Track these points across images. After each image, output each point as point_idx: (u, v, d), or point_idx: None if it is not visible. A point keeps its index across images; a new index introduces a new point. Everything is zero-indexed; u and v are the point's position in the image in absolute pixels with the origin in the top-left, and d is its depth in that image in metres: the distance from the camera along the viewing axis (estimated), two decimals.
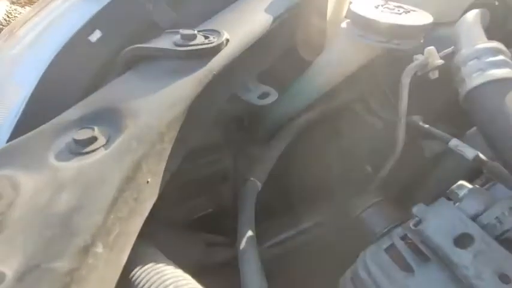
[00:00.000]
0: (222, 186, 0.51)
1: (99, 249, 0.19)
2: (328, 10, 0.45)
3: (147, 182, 0.24)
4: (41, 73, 0.32)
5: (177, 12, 0.41)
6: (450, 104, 0.40)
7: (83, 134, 0.24)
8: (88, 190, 0.20)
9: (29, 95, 0.32)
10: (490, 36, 0.39)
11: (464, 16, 0.37)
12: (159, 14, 0.39)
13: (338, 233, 0.65)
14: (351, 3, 0.44)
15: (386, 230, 0.47)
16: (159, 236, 0.36)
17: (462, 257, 0.30)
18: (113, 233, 0.20)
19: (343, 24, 0.42)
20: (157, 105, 0.26)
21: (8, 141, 0.31)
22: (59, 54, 0.33)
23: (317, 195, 0.76)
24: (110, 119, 0.26)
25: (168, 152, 0.26)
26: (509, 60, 0.29)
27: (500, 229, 0.33)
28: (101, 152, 0.23)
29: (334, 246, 0.67)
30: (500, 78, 0.27)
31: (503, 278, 0.29)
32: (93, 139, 0.24)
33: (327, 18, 0.45)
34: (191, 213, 0.51)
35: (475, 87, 0.29)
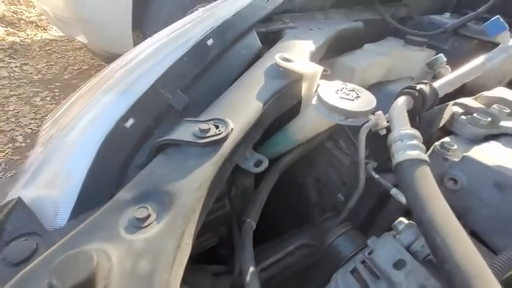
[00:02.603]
0: (222, 225, 0.63)
1: None
2: (303, 88, 0.60)
3: (186, 243, 0.36)
4: (93, 155, 0.43)
5: (188, 95, 0.54)
6: None
7: (142, 213, 0.35)
8: (157, 257, 0.31)
9: (85, 174, 0.42)
10: (413, 115, 0.56)
11: (395, 102, 0.53)
12: (176, 100, 0.52)
13: (318, 254, 0.78)
14: (318, 85, 0.59)
15: (352, 254, 0.61)
16: None
17: (398, 277, 0.44)
18: (171, 284, 0.31)
19: (314, 101, 0.57)
20: (189, 187, 0.38)
21: (70, 217, 0.41)
22: (105, 142, 0.44)
23: (300, 221, 0.89)
24: (157, 198, 0.38)
25: (197, 219, 0.38)
26: (420, 144, 0.45)
27: (424, 254, 0.47)
28: (155, 226, 0.35)
29: (315, 267, 0.80)
30: (413, 158, 0.43)
31: None
32: (148, 216, 0.36)
33: (302, 94, 0.60)
34: (197, 249, 0.63)
35: (398, 163, 0.44)
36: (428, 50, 0.98)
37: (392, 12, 1.09)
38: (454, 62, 0.79)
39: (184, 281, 0.39)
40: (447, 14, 1.07)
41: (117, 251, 0.32)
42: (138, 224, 0.35)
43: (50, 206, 0.41)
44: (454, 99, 0.67)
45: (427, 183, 0.39)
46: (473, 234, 0.51)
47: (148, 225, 0.35)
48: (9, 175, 1.98)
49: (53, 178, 0.42)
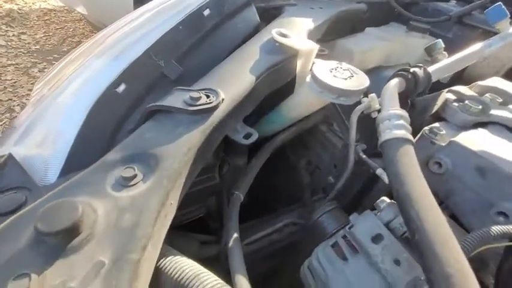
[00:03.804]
0: (210, 197, 0.65)
1: (150, 247, 0.32)
2: (298, 64, 0.60)
3: (171, 204, 0.37)
4: (83, 118, 0.44)
5: (182, 65, 0.54)
6: None
7: (128, 173, 0.36)
8: (140, 212, 0.33)
9: (75, 135, 0.43)
10: (405, 98, 0.56)
11: (388, 83, 0.53)
12: (169, 69, 0.51)
13: (304, 231, 0.81)
14: (314, 63, 0.59)
15: (335, 230, 0.64)
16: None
17: (375, 250, 0.46)
18: (154, 238, 0.33)
19: (308, 79, 0.57)
20: (177, 151, 0.39)
21: (60, 175, 0.42)
22: (96, 105, 0.45)
23: (290, 200, 0.91)
24: (144, 160, 0.39)
25: (183, 183, 0.40)
26: (406, 124, 0.45)
27: (402, 231, 0.49)
28: (141, 185, 0.36)
29: (301, 242, 0.83)
30: (398, 137, 0.44)
31: (396, 262, 0.45)
32: (135, 176, 0.37)
33: (296, 72, 0.60)
34: (186, 218, 0.64)
35: (384, 141, 0.45)
36: (430, 37, 0.97)
37: None
38: (457, 51, 0.78)
39: (172, 244, 0.41)
40: (453, 2, 1.04)
41: (103, 205, 0.33)
42: (124, 183, 0.36)
43: (40, 164, 0.42)
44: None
45: (408, 160, 0.40)
46: (453, 217, 0.52)
47: (134, 184, 0.36)
48: None
49: (44, 137, 0.43)
